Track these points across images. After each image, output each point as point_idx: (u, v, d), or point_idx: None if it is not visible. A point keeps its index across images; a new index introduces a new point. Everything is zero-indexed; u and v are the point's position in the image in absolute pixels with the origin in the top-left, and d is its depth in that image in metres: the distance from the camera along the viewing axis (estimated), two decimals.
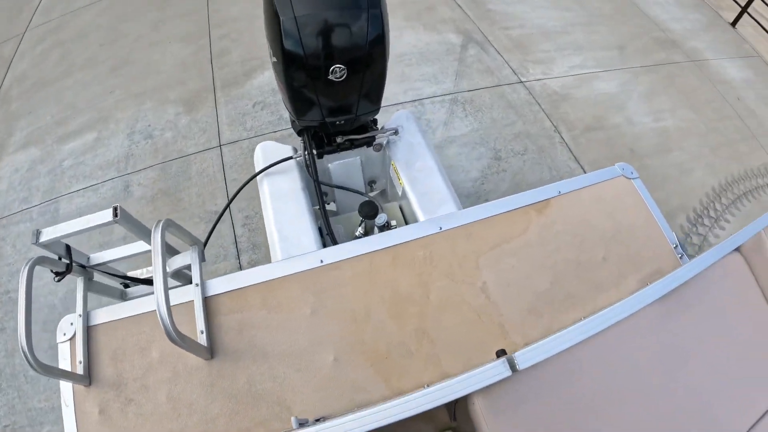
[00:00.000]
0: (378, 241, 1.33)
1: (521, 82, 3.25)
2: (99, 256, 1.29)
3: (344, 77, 1.42)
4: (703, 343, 1.31)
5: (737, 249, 1.48)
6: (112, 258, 1.29)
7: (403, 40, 3.30)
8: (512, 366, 0.97)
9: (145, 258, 1.21)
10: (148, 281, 1.39)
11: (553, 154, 2.97)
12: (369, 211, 1.67)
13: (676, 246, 1.58)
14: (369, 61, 1.45)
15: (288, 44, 1.34)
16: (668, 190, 3.24)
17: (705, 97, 3.98)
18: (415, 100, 3.00)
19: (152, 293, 0.98)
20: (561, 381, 1.10)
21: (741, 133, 3.95)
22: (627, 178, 1.82)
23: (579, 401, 1.11)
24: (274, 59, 1.40)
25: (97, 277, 1.30)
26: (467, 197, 2.69)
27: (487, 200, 1.44)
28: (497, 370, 0.95)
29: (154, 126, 3.21)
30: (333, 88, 1.45)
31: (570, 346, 1.05)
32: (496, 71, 3.26)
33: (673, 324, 1.26)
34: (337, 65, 1.39)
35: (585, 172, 1.66)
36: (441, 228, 1.38)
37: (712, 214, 3.37)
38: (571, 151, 3.01)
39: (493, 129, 2.96)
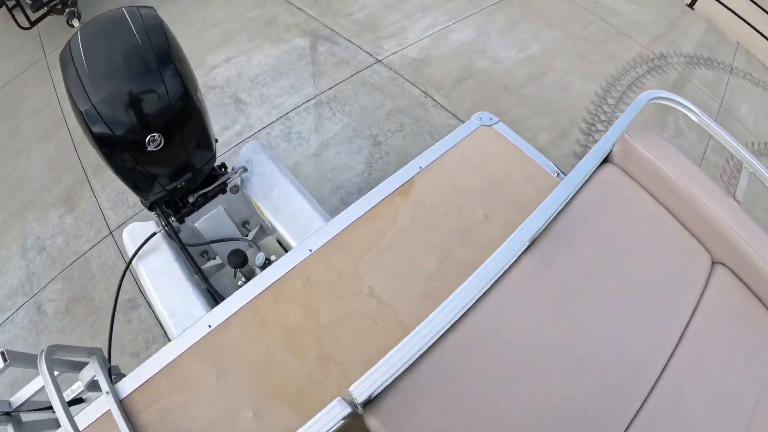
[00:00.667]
0: (257, 284, 1.31)
1: (378, 61, 3.23)
2: (21, 395, 1.23)
3: (162, 143, 1.38)
4: (603, 269, 1.30)
5: (608, 161, 1.47)
6: (35, 390, 1.22)
7: (253, 61, 3.25)
8: (352, 405, 0.95)
9: None
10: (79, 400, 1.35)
11: (429, 119, 2.96)
12: (237, 260, 1.64)
13: (558, 173, 1.57)
14: (182, 118, 1.42)
15: (97, 131, 1.30)
16: (554, 112, 3.28)
17: (563, 13, 4.06)
18: (281, 117, 2.95)
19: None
20: (459, 362, 1.07)
21: (607, 34, 4.04)
22: (487, 125, 1.78)
23: (483, 375, 1.09)
24: (95, 149, 1.35)
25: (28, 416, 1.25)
26: (359, 193, 2.67)
27: None
28: (336, 411, 0.93)
29: (44, 237, 3.09)
30: (158, 156, 1.41)
31: (452, 324, 1.04)
32: (352, 60, 3.23)
33: (564, 260, 1.24)
34: (152, 135, 1.35)
35: None
36: (311, 250, 1.36)
37: (603, 117, 3.44)
38: (446, 110, 3.01)
39: (364, 117, 2.94)
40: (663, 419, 1.16)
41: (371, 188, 1.47)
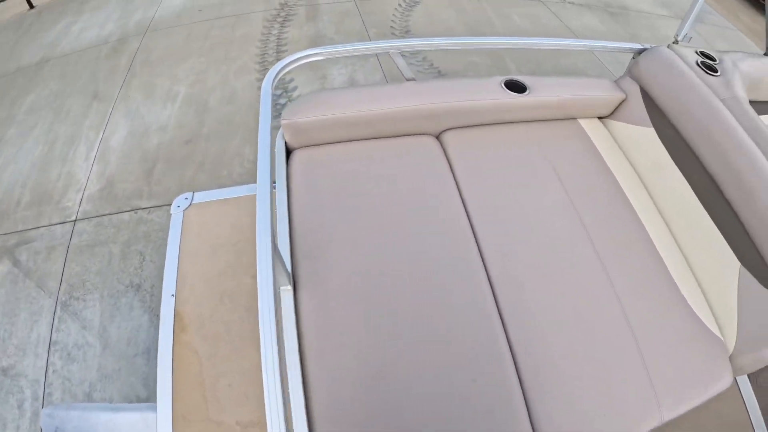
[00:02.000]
0: None
1: (75, 221, 2.98)
2: None
3: None
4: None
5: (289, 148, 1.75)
6: None
7: None
8: None
9: None
10: None
11: (155, 227, 2.84)
12: None
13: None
14: None
15: None
16: (238, 124, 3.32)
17: (181, 45, 4.01)
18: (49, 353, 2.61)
19: None
20: None
21: (228, 26, 4.11)
22: (190, 205, 1.86)
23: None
24: None
25: None
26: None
27: None
28: None
29: None
30: None
31: None
32: (54, 241, 2.94)
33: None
34: None
35: None
36: None
37: (281, 95, 3.58)
38: (160, 206, 2.91)
39: (107, 278, 2.67)
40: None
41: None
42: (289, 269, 1.37)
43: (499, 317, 1.46)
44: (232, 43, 3.95)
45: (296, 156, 1.69)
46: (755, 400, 2.13)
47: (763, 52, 2.77)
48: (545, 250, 1.65)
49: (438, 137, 1.94)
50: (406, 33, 4.24)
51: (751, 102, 2.75)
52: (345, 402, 1.23)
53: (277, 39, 3.95)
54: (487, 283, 1.52)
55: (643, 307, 1.62)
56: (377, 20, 4.39)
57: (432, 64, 3.90)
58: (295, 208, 1.53)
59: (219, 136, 3.16)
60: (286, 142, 1.70)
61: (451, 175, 1.78)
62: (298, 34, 4.02)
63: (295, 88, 3.51)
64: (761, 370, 2.25)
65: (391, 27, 4.31)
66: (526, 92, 1.92)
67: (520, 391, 1.35)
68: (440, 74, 3.85)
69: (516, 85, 1.94)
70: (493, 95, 1.87)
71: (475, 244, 1.60)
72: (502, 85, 1.91)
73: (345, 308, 1.36)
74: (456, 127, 1.93)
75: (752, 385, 2.21)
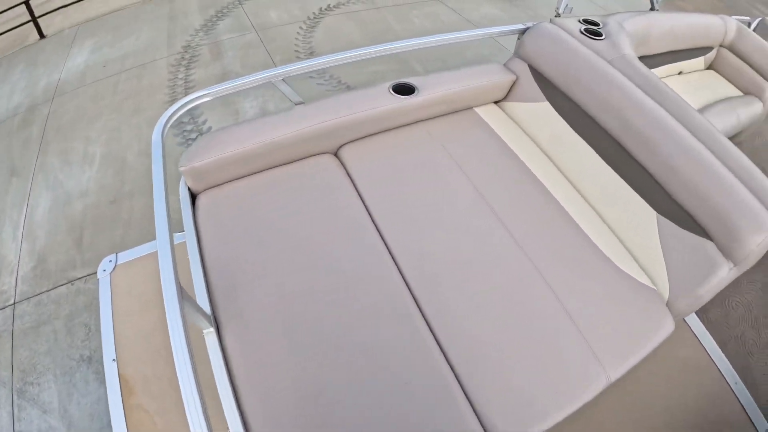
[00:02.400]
0: None
1: (13, 303, 2.96)
2: None
3: None
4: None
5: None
6: None
7: None
8: None
9: None
10: None
11: (90, 296, 2.87)
12: None
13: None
14: None
15: None
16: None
17: (90, 104, 4.00)
18: None
19: None
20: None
21: (136, 77, 4.13)
22: (114, 266, 1.90)
23: None
24: None
25: None
26: None
27: None
28: None
29: None
30: None
31: None
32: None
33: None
34: None
35: None
36: None
37: (191, 136, 3.64)
38: (95, 274, 2.93)
39: (57, 355, 2.73)
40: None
41: None
42: (209, 312, 1.38)
43: (422, 317, 1.48)
44: (140, 94, 3.98)
45: (202, 199, 1.69)
46: (710, 337, 2.23)
47: (649, 8, 3.02)
48: (459, 244, 1.67)
49: (336, 154, 1.95)
50: (311, 54, 4.38)
51: (643, 57, 2.90)
52: (289, 428, 1.24)
53: (185, 82, 4.00)
54: (405, 286, 1.54)
55: (567, 277, 1.65)
56: (281, 46, 4.51)
57: (340, 80, 4.05)
58: (207, 251, 1.53)
59: (142, 191, 3.20)
60: (189, 188, 1.69)
61: (353, 189, 1.79)
62: (205, 75, 4.09)
63: (210, 129, 3.58)
64: (709, 307, 2.54)
65: (296, 51, 4.44)
66: (415, 93, 1.94)
67: (457, 383, 1.37)
68: (348, 88, 4.01)
69: (405, 87, 1.96)
70: (383, 102, 1.89)
71: (387, 252, 1.62)
72: (390, 90, 1.93)
73: (271, 337, 1.37)
74: (353, 140, 1.95)
75: (703, 322, 2.31)
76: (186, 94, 3.90)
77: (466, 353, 1.42)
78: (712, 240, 1.65)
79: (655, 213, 1.78)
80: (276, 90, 3.84)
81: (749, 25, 4.93)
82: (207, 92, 1.68)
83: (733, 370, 2.20)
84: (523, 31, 2.23)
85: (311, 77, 3.97)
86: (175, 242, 1.60)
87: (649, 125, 1.78)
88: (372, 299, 1.48)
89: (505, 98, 2.26)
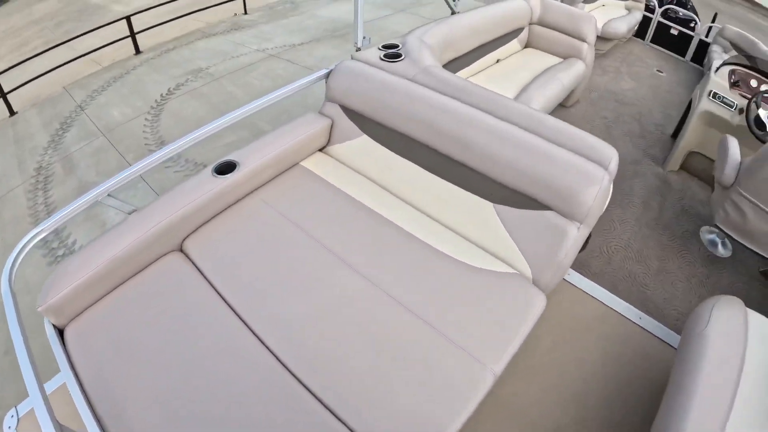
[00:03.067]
0: None
1: None
2: None
3: None
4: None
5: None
6: None
7: None
8: None
9: None
10: None
11: None
12: None
13: None
14: None
15: None
16: None
17: None
18: None
19: None
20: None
21: None
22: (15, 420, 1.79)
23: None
24: None
25: None
26: None
27: None
28: None
29: None
30: None
31: None
32: None
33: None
34: None
35: None
36: None
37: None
38: None
39: None
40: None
41: None
42: None
43: (300, 384, 1.49)
44: (5, 230, 4.08)
45: (68, 333, 1.64)
46: (599, 288, 2.36)
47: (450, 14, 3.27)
48: (317, 300, 1.67)
49: (181, 249, 1.91)
50: (162, 143, 4.70)
51: (455, 60, 3.13)
52: None
53: (45, 206, 4.16)
54: (274, 358, 1.55)
55: (423, 294, 1.66)
56: (131, 144, 4.77)
57: (195, 162, 4.40)
58: (88, 385, 1.50)
59: (32, 333, 3.37)
60: (55, 324, 1.64)
61: (205, 281, 1.77)
62: (63, 192, 4.27)
63: (75, 243, 3.80)
64: (589, 260, 2.70)
65: (147, 144, 4.73)
66: (237, 168, 1.94)
67: (345, 427, 1.38)
68: (205, 167, 4.35)
69: (227, 166, 1.96)
70: (209, 188, 1.88)
71: (252, 334, 1.62)
72: (213, 173, 1.93)
73: None
74: (193, 231, 1.92)
75: (589, 277, 2.45)
76: (49, 216, 4.04)
77: (347, 396, 1.43)
78: (551, 209, 1.75)
79: (491, 204, 1.87)
80: (136, 190, 4.11)
81: None
82: (41, 228, 1.68)
83: (632, 308, 2.31)
84: (327, 75, 2.30)
85: (167, 166, 4.28)
86: (56, 385, 1.71)
87: (459, 125, 1.88)
88: (248, 383, 1.48)
89: (328, 143, 2.30)
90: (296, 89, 2.23)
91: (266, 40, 7.17)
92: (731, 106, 3.35)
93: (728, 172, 2.64)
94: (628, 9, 6.98)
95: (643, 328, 2.23)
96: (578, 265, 2.64)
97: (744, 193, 2.53)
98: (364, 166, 2.17)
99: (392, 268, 1.76)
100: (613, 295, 2.37)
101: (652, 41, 7.11)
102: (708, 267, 2.95)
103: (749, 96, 3.36)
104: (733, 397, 1.43)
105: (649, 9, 7.10)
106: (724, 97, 3.40)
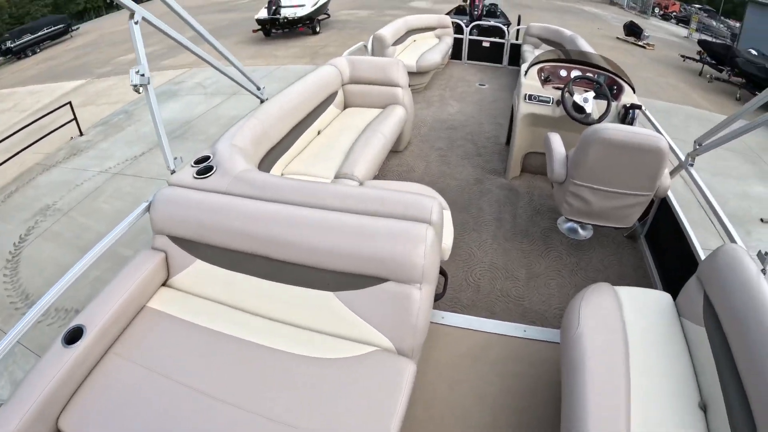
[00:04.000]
0: None
1: None
2: None
3: None
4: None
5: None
6: None
7: None
8: None
9: None
10: None
11: None
12: None
13: None
14: None
15: None
16: None
17: None
18: None
19: None
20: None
21: None
22: None
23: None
24: None
25: None
26: None
27: None
28: None
29: None
30: None
31: None
32: None
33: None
34: None
35: None
36: None
37: None
38: None
39: None
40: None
41: None
42: None
43: None
44: None
45: None
46: (474, 318, 2.41)
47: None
48: None
49: (57, 428, 1.78)
50: (27, 298, 4.86)
51: (271, 151, 2.97)
52: None
53: None
54: None
55: (289, 404, 1.64)
56: None
57: (67, 310, 4.59)
58: None
59: None
60: None
61: None
62: None
63: None
64: (458, 295, 2.68)
65: (12, 303, 4.84)
66: (84, 333, 1.82)
67: None
68: (77, 312, 4.61)
69: (76, 330, 1.83)
70: (62, 361, 1.77)
71: None
72: (63, 344, 1.79)
73: None
74: (63, 409, 1.79)
75: (462, 311, 2.48)
76: None
77: None
78: (389, 280, 1.76)
79: (331, 293, 1.86)
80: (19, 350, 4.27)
81: (365, 47, 5.73)
82: None
83: (514, 324, 2.35)
84: (149, 207, 2.15)
85: (40, 321, 4.48)
86: None
87: (278, 228, 1.88)
88: None
89: (168, 276, 2.16)
90: (121, 232, 2.10)
91: (107, 159, 7.47)
92: (548, 102, 3.50)
93: (558, 170, 2.79)
94: (439, 37, 7.33)
95: (531, 339, 2.29)
96: (449, 305, 2.64)
97: (579, 183, 2.67)
98: (208, 292, 2.11)
99: (258, 387, 1.72)
100: (491, 320, 2.42)
101: (469, 59, 7.50)
102: (575, 254, 3.05)
103: (562, 86, 3.50)
104: (628, 376, 1.54)
105: (459, 30, 7.52)
106: (539, 96, 3.52)
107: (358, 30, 15.43)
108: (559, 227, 3.34)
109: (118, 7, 1.99)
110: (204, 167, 2.26)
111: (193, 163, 2.33)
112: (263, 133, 2.86)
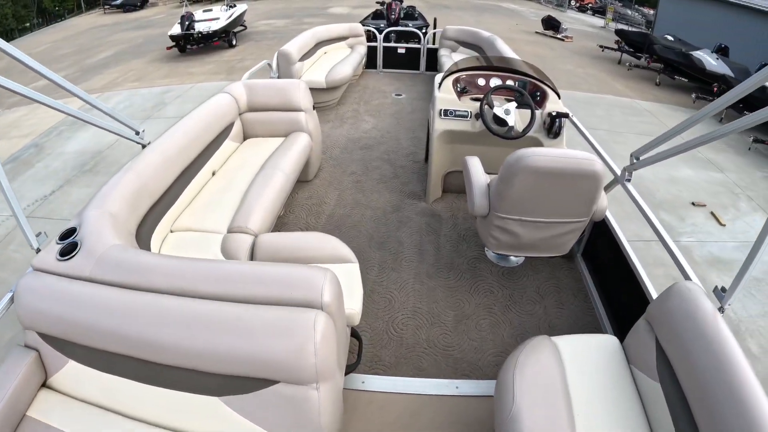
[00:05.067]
0: None
1: None
2: None
3: None
4: None
5: None
6: None
7: None
8: None
9: None
10: None
11: None
12: None
13: None
14: None
15: None
16: None
17: None
18: None
19: None
20: None
21: None
22: None
23: None
24: None
25: None
26: None
27: None
28: None
29: None
30: None
31: None
32: None
33: None
34: None
35: None
36: None
37: None
38: None
39: None
40: None
41: None
42: None
43: None
44: None
45: None
46: (398, 379, 2.19)
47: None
48: None
49: None
50: None
51: (154, 206, 2.55)
52: None
53: None
54: None
55: None
56: None
57: None
58: None
59: None
60: None
61: None
62: None
63: None
64: (379, 358, 2.39)
65: None
66: None
67: None
68: None
69: None
70: None
71: None
72: None
73: None
74: None
75: (384, 373, 2.26)
76: None
77: None
78: (279, 381, 1.50)
79: (217, 398, 1.59)
80: None
81: (269, 66, 5.20)
82: None
83: (444, 381, 2.17)
84: (12, 299, 1.83)
85: None
86: None
87: (145, 325, 1.58)
88: None
89: (46, 376, 1.84)
90: None
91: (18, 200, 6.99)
92: (466, 116, 3.17)
93: (479, 202, 2.47)
94: (351, 46, 6.97)
95: (465, 396, 2.08)
96: (370, 366, 2.31)
97: (504, 216, 2.36)
98: (87, 396, 1.80)
99: None
100: (419, 378, 2.18)
101: (384, 67, 7.15)
102: (508, 285, 2.77)
103: (480, 98, 3.20)
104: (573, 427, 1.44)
105: (372, 37, 7.19)
106: (455, 110, 3.18)
107: (276, 40, 15.21)
108: (488, 254, 3.05)
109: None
110: (68, 245, 1.90)
111: (57, 240, 1.96)
112: (142, 188, 2.41)
